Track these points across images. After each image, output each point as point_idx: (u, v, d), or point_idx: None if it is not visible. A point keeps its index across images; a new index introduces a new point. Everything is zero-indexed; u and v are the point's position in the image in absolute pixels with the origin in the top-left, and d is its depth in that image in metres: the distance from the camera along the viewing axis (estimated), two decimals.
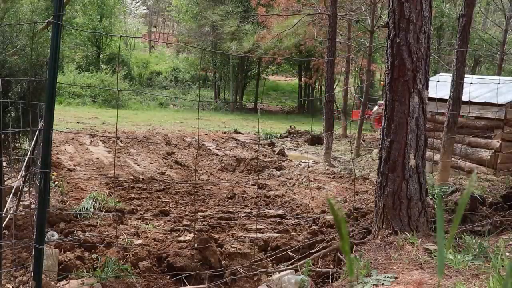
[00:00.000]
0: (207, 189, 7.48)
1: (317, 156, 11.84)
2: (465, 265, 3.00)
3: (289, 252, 4.42)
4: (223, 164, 9.94)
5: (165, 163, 9.90)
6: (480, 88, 8.59)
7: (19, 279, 3.36)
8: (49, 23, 2.86)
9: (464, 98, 6.94)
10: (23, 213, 4.60)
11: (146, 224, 5.19)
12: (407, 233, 3.66)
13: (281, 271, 3.64)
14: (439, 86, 6.54)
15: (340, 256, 3.97)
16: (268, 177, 9.00)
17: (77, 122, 15.52)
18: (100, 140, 12.02)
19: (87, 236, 4.34)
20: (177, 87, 30.22)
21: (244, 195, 7.13)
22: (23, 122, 4.19)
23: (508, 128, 8.00)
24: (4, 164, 4.59)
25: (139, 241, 4.46)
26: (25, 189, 4.64)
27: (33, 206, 4.28)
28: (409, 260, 3.19)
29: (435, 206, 4.59)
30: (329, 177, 9.12)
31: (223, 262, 4.20)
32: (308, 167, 10.21)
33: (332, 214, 0.81)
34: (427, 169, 4.50)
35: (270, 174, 9.40)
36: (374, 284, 2.86)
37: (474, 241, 3.41)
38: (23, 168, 4.27)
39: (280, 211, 6.21)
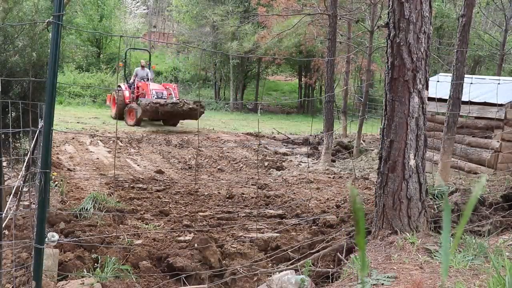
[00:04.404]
0: (207, 189, 7.49)
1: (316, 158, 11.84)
2: (465, 265, 3.00)
3: (289, 252, 4.42)
4: (223, 164, 9.94)
5: (165, 163, 9.90)
6: (480, 88, 8.59)
7: (19, 279, 3.36)
8: (49, 23, 2.86)
9: (464, 98, 6.94)
10: (23, 213, 4.60)
11: (146, 224, 5.19)
12: (407, 233, 3.67)
13: (281, 271, 3.64)
14: (439, 86, 6.54)
15: (340, 256, 3.97)
16: (268, 177, 9.01)
17: (77, 122, 15.52)
18: (100, 140, 12.03)
19: (87, 236, 4.34)
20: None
21: (244, 195, 7.13)
22: (23, 122, 4.19)
23: (508, 128, 8.00)
24: (4, 164, 4.59)
25: (139, 241, 4.47)
26: (25, 189, 4.64)
27: (33, 206, 4.29)
28: (409, 260, 3.20)
29: (435, 206, 4.59)
30: (329, 177, 9.12)
31: (223, 262, 4.20)
32: (308, 167, 10.21)
33: (353, 206, 0.79)
34: (427, 169, 4.49)
35: (270, 174, 9.40)
36: (374, 284, 2.86)
37: (474, 241, 3.41)
38: (23, 168, 4.27)
39: (280, 211, 6.21)
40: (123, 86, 16.76)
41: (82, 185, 6.99)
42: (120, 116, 16.05)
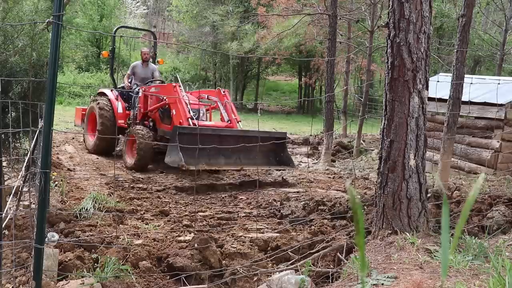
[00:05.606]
0: (207, 189, 7.48)
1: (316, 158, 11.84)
2: (465, 265, 3.00)
3: (289, 252, 4.42)
4: None
5: None
6: (480, 88, 8.59)
7: (19, 279, 3.36)
8: (49, 23, 2.87)
9: (464, 98, 6.94)
10: (23, 213, 4.60)
11: (146, 224, 5.19)
12: (407, 233, 3.67)
13: (281, 271, 3.64)
14: (439, 86, 6.54)
15: (340, 256, 3.97)
16: (268, 177, 9.00)
17: None
18: None
19: (87, 236, 4.34)
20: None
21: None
22: (23, 122, 4.19)
23: (508, 128, 8.00)
24: (4, 164, 4.59)
25: (139, 241, 4.46)
26: (25, 189, 4.64)
27: (33, 206, 4.28)
28: (409, 260, 3.20)
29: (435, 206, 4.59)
30: (329, 177, 9.11)
31: (223, 262, 4.20)
32: (308, 167, 10.21)
33: (351, 205, 0.79)
34: (427, 169, 4.49)
35: (270, 174, 9.40)
36: (374, 284, 2.86)
37: (474, 241, 3.41)
38: (23, 168, 4.27)
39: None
40: (113, 93, 9.74)
41: (82, 185, 6.99)
42: (102, 149, 9.57)
